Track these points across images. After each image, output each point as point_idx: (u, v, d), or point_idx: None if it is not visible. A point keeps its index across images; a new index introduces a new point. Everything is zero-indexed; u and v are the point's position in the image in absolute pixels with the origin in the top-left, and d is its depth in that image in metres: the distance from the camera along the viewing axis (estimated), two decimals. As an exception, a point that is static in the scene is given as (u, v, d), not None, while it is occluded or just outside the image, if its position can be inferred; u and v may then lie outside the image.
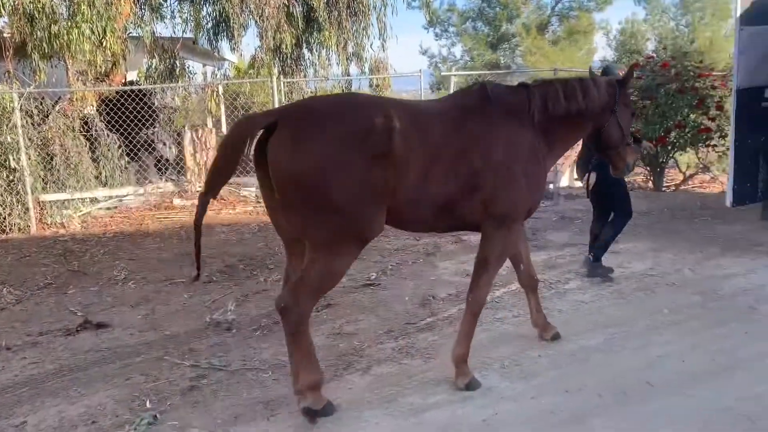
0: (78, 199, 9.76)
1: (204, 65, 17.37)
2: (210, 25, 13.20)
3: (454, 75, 13.47)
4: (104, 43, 9.97)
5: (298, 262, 3.39)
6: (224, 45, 13.77)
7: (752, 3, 7.53)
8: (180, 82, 13.18)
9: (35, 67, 9.96)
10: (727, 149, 9.06)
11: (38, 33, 9.32)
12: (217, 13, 12.55)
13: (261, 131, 3.15)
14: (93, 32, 9.60)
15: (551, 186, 10.02)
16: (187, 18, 13.12)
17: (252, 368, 4.14)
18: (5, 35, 10.24)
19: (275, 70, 12.20)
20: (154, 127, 11.60)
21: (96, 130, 10.30)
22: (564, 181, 12.06)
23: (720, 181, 12.21)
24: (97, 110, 10.87)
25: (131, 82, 12.94)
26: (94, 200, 10.05)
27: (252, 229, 8.67)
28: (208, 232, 8.38)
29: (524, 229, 4.32)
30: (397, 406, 3.54)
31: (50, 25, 9.31)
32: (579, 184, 12.09)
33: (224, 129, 13.37)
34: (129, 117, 10.44)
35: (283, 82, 10.70)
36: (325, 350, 4.35)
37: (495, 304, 5.16)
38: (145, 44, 12.05)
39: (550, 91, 3.78)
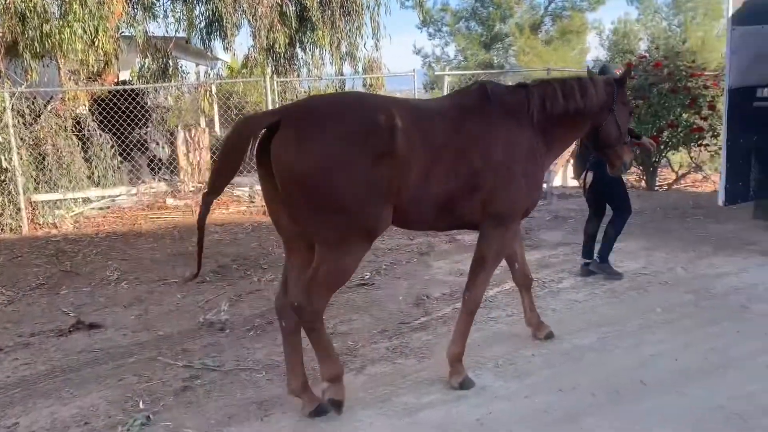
0: (70, 199, 9.71)
1: (197, 65, 17.33)
2: (203, 24, 13.16)
3: (448, 75, 13.48)
4: (96, 43, 9.91)
5: (297, 260, 3.40)
6: (217, 44, 13.74)
7: (744, 3, 7.58)
8: (173, 81, 13.13)
9: (27, 66, 9.90)
10: (720, 149, 9.11)
11: (30, 32, 9.26)
12: (210, 13, 12.51)
13: (263, 131, 3.16)
14: (85, 31, 9.55)
15: (545, 185, 10.04)
16: (179, 17, 13.06)
17: (245, 368, 4.13)
18: (-4, 34, 10.19)
19: (268, 70, 12.16)
20: (147, 127, 11.55)
21: (88, 130, 10.25)
22: (557, 181, 12.08)
23: (712, 180, 12.27)
24: (90, 110, 10.81)
25: (124, 82, 12.89)
26: (86, 200, 10.00)
27: (245, 229, 8.65)
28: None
29: (520, 228, 4.33)
30: (391, 406, 3.54)
31: (42, 25, 9.26)
32: (572, 183, 12.13)
33: (217, 128, 13.40)
34: (121, 117, 10.39)
35: (277, 82, 10.66)
36: (319, 350, 4.35)
37: (489, 304, 5.16)
38: (138, 44, 11.99)
39: (548, 91, 3.79)
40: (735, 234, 7.35)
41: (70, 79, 10.77)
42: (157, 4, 12.87)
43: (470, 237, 7.38)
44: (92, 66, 10.36)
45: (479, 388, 3.70)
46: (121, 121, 10.40)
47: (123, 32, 12.06)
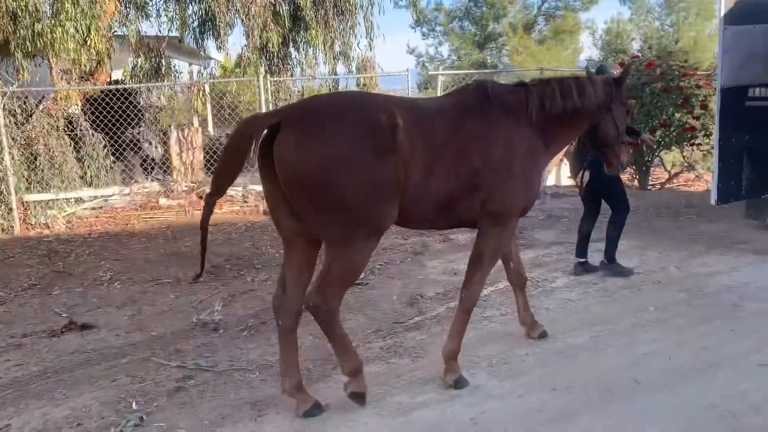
0: (63, 199, 9.67)
1: (190, 64, 17.28)
2: (196, 23, 13.11)
3: (441, 74, 13.49)
4: (89, 42, 9.86)
5: (296, 260, 3.42)
6: (210, 44, 13.72)
7: (736, 3, 7.60)
8: (166, 81, 13.08)
9: (18, 65, 9.82)
10: (712, 148, 9.14)
11: (21, 31, 9.20)
12: (203, 12, 12.47)
13: (265, 131, 3.17)
14: (77, 31, 9.50)
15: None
16: (172, 16, 13.01)
17: (239, 369, 4.13)
18: (-13, 34, 10.12)
19: (262, 69, 12.14)
20: (140, 127, 11.51)
21: (81, 130, 10.20)
22: (551, 180, 12.10)
23: (705, 179, 12.34)
24: (82, 109, 10.75)
25: (116, 81, 12.82)
26: (79, 200, 9.95)
27: (238, 229, 8.63)
28: (193, 233, 8.33)
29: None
30: (386, 406, 3.53)
31: (34, 24, 9.19)
32: (565, 182, 12.16)
33: (210, 128, 13.36)
34: (114, 116, 10.34)
35: (270, 81, 10.64)
36: (313, 350, 4.35)
37: (483, 303, 5.16)
38: (131, 43, 11.95)
39: (547, 90, 3.80)
40: (727, 233, 7.38)
41: (62, 78, 10.70)
42: (150, 4, 12.82)
43: (464, 236, 7.39)
44: (84, 65, 10.31)
45: (473, 387, 3.71)
46: (113, 120, 10.35)
47: (115, 31, 12.01)
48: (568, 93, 3.82)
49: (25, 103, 9.69)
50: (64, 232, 8.94)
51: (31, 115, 9.62)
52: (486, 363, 4.06)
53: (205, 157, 10.87)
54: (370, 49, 13.42)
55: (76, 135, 10.14)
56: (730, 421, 3.29)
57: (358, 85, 13.28)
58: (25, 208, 9.27)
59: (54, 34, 9.26)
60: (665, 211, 8.85)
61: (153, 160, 11.30)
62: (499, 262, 4.35)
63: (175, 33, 13.27)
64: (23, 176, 9.32)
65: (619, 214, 5.84)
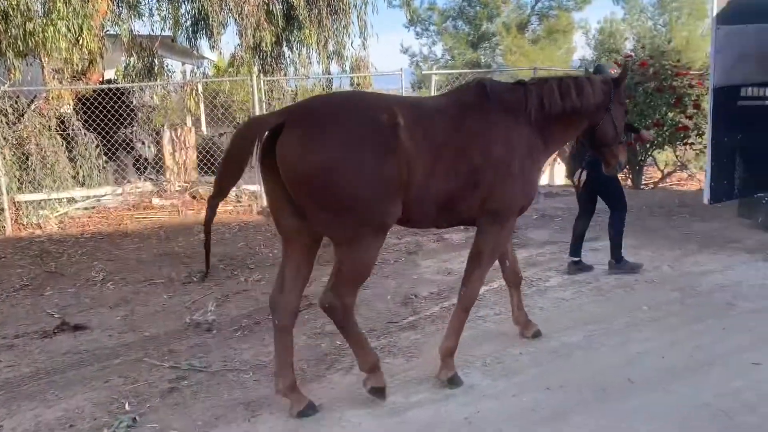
0: (55, 199, 9.61)
1: (183, 63, 17.24)
2: (189, 23, 13.10)
3: (435, 74, 13.48)
4: (81, 41, 9.83)
5: (295, 259, 3.42)
6: (203, 43, 13.70)
7: (728, 2, 7.63)
8: (159, 80, 13.05)
9: (10, 65, 9.77)
10: (705, 147, 9.17)
11: (13, 30, 9.15)
12: (196, 11, 12.45)
13: (267, 132, 3.17)
14: (69, 30, 9.46)
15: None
16: (165, 16, 12.99)
17: (232, 369, 4.11)
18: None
19: (255, 69, 12.12)
20: (133, 126, 11.47)
21: (73, 130, 10.15)
22: (544, 179, 12.13)
23: (697, 178, 12.37)
24: (74, 109, 10.70)
25: (109, 81, 12.77)
26: (71, 200, 9.90)
27: (231, 229, 8.60)
28: (187, 233, 8.32)
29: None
30: (380, 405, 3.53)
31: (25, 23, 9.15)
32: (559, 182, 12.19)
33: (203, 128, 13.32)
34: (107, 116, 10.30)
35: (263, 81, 10.63)
36: (307, 350, 4.34)
37: (477, 302, 5.13)
38: (123, 42, 11.92)
39: (546, 89, 3.80)
40: (720, 232, 7.41)
41: (54, 77, 10.66)
42: (143, 3, 12.80)
43: (458, 236, 7.39)
44: (77, 65, 10.28)
45: (467, 386, 3.71)
46: (106, 120, 10.31)
47: (108, 31, 11.98)
48: (566, 92, 3.83)
49: (16, 102, 9.63)
50: (56, 233, 8.90)
51: (22, 115, 9.57)
52: (480, 362, 4.06)
53: (198, 156, 10.84)
54: (364, 49, 13.45)
55: (69, 135, 10.09)
56: (723, 420, 3.30)
57: (351, 84, 13.29)
58: (17, 209, 9.21)
59: (46, 33, 9.22)
60: (658, 210, 8.88)
61: (146, 159, 11.27)
62: (496, 261, 4.37)
63: (168, 32, 13.26)
64: (15, 176, 9.26)
65: (617, 215, 5.87)
